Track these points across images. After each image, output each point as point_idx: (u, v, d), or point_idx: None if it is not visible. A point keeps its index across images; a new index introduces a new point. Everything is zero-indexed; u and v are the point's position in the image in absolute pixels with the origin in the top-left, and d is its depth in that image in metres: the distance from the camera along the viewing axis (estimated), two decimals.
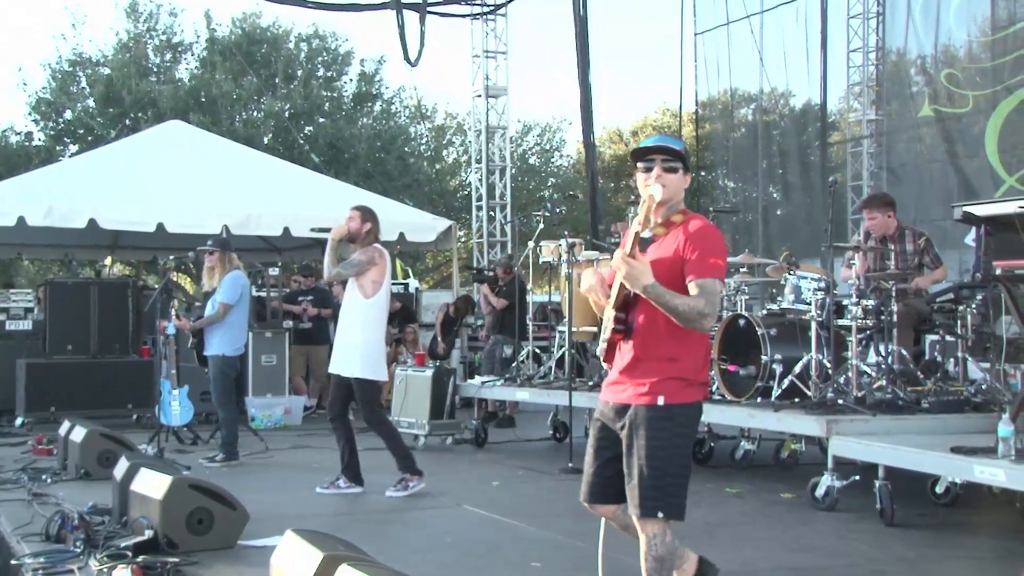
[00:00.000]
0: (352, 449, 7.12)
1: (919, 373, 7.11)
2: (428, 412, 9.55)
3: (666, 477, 3.43)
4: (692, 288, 3.39)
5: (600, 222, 16.01)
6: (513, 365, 10.12)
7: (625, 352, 3.54)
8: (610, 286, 3.57)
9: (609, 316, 3.54)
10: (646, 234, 3.46)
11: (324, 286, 13.81)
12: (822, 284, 7.08)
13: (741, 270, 8.11)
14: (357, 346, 7.00)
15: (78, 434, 7.56)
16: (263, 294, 12.91)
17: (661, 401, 3.44)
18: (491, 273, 12.16)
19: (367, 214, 7.18)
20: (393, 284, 17.97)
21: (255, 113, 25.18)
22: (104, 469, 6.97)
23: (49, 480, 7.34)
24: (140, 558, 4.87)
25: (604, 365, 3.68)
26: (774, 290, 7.85)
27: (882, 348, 7.02)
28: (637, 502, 3.44)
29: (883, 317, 6.92)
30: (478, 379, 10.33)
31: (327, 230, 7.12)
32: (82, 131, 24.30)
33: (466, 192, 26.19)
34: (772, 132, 17.32)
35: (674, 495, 3.46)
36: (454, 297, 14.11)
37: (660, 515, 3.43)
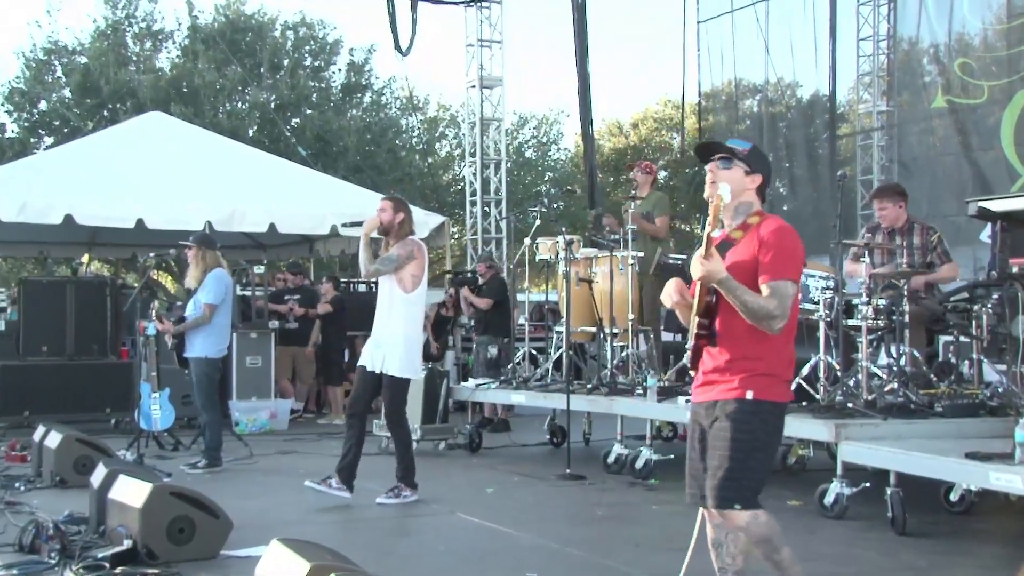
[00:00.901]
0: (357, 452, 7.09)
1: (932, 375, 7.11)
2: (420, 416, 9.54)
3: (745, 470, 3.57)
4: (764, 290, 3.54)
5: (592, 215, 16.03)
6: (509, 367, 10.11)
7: (713, 356, 3.70)
8: (693, 295, 3.71)
9: (694, 323, 3.69)
10: (716, 232, 3.60)
11: (310, 285, 13.81)
12: (830, 283, 7.07)
13: None
14: (397, 342, 7.01)
15: (53, 440, 7.54)
16: (248, 293, 12.89)
17: (750, 395, 3.59)
18: (470, 275, 12.15)
19: (399, 204, 7.16)
20: None
21: (239, 104, 25.15)
22: (81, 476, 6.95)
23: (23, 488, 7.31)
24: (118, 569, 4.87)
25: (691, 371, 3.87)
26: None
27: (893, 349, 7.02)
28: (714, 494, 3.58)
29: (895, 317, 6.92)
30: (472, 382, 10.32)
31: (359, 224, 7.11)
32: (58, 123, 24.25)
33: (460, 187, 26.20)
34: (778, 124, 17.32)
35: (751, 488, 3.60)
36: (445, 296, 14.10)
37: (737, 507, 3.57)
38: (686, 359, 3.88)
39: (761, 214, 3.71)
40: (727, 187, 3.57)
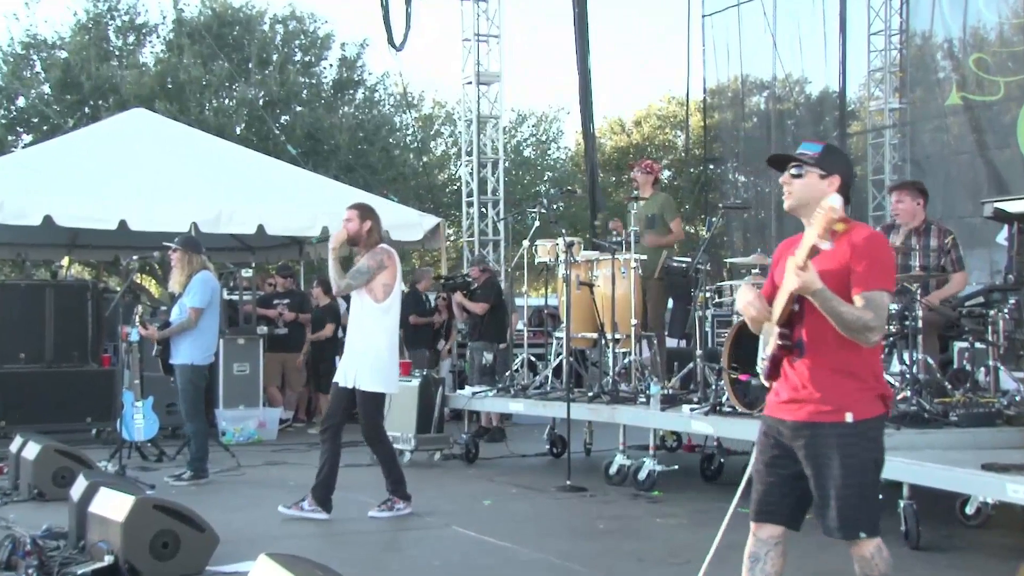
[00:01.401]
0: (332, 469, 7.05)
1: (947, 383, 7.11)
2: (414, 425, 9.53)
3: (862, 495, 3.59)
4: (858, 300, 3.52)
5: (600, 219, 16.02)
6: (507, 374, 10.11)
7: (798, 368, 3.67)
8: (770, 301, 3.71)
9: (772, 332, 3.68)
10: (826, 245, 3.50)
11: (298, 289, 13.80)
12: None
13: (753, 272, 8.12)
14: (368, 354, 6.99)
15: (31, 450, 7.53)
16: (235, 297, 12.87)
17: (850, 418, 3.57)
18: (462, 278, 12.14)
19: (365, 212, 7.15)
20: None
21: (226, 101, 25.13)
22: (60, 489, 6.95)
23: None
24: None
25: (765, 383, 3.83)
26: None
27: (906, 356, 7.01)
28: (837, 524, 3.60)
29: (907, 323, 6.91)
30: (468, 389, 10.32)
31: (326, 239, 7.13)
32: (37, 120, 24.22)
33: (455, 187, 26.20)
34: (786, 122, 17.33)
35: (873, 511, 3.64)
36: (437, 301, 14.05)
37: (863, 535, 3.60)
38: (760, 370, 3.84)
39: (847, 220, 3.63)
40: (838, 198, 3.46)
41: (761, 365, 3.80)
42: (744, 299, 3.77)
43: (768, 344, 3.71)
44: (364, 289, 7.01)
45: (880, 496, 3.67)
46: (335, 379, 7.17)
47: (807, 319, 3.60)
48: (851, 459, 3.56)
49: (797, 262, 3.44)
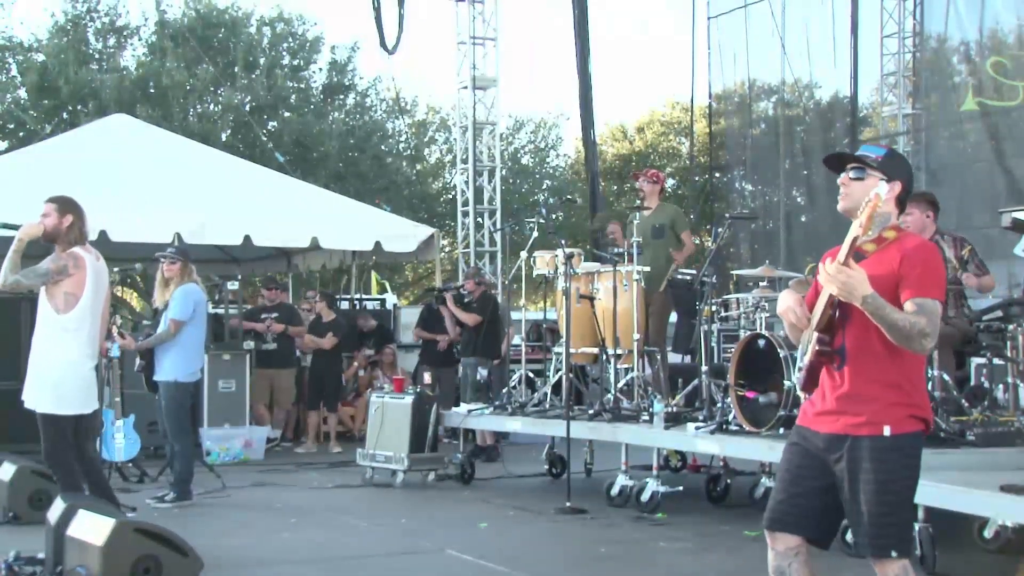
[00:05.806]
0: (105, 493, 6.68)
1: (964, 401, 7.12)
2: (408, 445, 9.51)
3: (897, 513, 3.60)
4: (909, 306, 3.52)
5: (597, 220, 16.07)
6: (504, 391, 10.11)
7: (836, 378, 3.67)
8: (811, 307, 3.71)
9: (810, 340, 3.67)
10: (868, 242, 3.55)
11: (288, 302, 13.80)
12: None
13: (761, 284, 8.14)
14: (45, 372, 6.56)
15: (6, 472, 7.52)
16: (220, 311, 12.87)
17: (887, 431, 3.58)
18: (455, 290, 12.14)
19: (66, 207, 6.65)
20: (369, 300, 17.93)
21: (211, 106, 25.19)
22: (36, 511, 6.95)
23: None
24: None
25: (801, 395, 3.84)
26: None
27: None
28: (868, 541, 3.59)
29: None
30: (464, 407, 10.31)
31: (15, 227, 6.68)
32: (12, 125, 24.26)
33: (450, 196, 26.20)
34: (795, 128, 17.38)
35: (905, 530, 3.66)
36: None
37: (894, 554, 3.58)
38: (795, 379, 3.85)
39: (898, 228, 3.70)
40: (886, 187, 3.50)
41: (796, 375, 3.80)
42: (783, 304, 3.77)
43: (806, 353, 3.71)
44: (47, 297, 6.56)
45: (915, 516, 3.70)
46: (27, 403, 6.69)
47: (850, 325, 3.59)
48: (885, 475, 3.56)
49: (839, 260, 3.42)
